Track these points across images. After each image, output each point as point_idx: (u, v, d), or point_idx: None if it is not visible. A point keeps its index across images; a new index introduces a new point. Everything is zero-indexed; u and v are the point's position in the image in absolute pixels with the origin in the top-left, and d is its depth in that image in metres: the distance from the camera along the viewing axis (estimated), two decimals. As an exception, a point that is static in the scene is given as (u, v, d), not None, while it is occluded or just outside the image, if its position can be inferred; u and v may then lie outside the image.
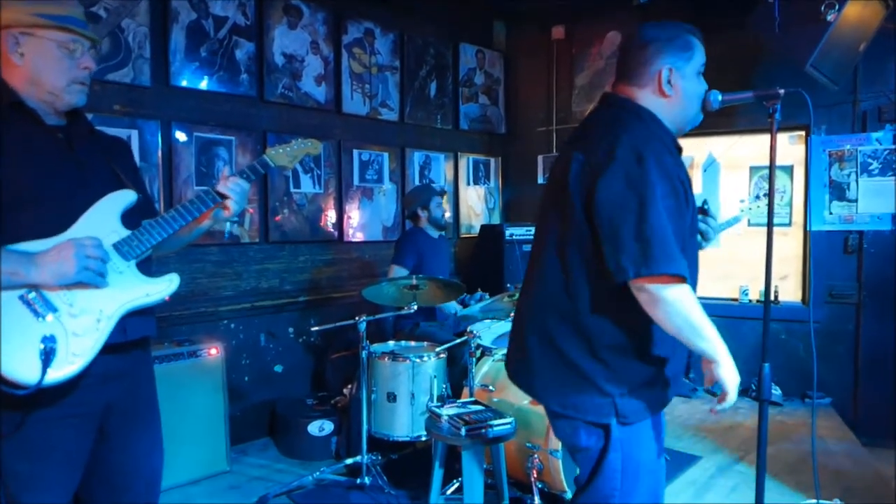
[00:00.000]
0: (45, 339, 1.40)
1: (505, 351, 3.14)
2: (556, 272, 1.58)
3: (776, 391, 4.48)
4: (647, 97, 1.61)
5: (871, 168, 4.18)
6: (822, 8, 3.20)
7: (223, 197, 1.67)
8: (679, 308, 1.42)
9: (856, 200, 4.24)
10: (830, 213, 4.32)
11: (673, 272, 1.39)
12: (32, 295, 1.43)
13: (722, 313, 4.76)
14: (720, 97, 1.67)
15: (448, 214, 4.10)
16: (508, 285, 4.32)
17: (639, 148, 1.46)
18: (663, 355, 1.58)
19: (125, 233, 1.56)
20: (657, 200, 1.41)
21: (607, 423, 1.55)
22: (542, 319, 1.62)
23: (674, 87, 1.59)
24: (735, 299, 4.79)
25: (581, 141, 1.60)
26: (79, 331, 1.44)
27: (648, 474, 1.63)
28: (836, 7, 3.19)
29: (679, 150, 1.65)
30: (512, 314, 3.37)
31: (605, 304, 1.52)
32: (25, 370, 1.36)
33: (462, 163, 5.37)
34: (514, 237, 4.88)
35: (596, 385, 1.54)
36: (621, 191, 1.43)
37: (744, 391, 4.67)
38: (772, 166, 1.78)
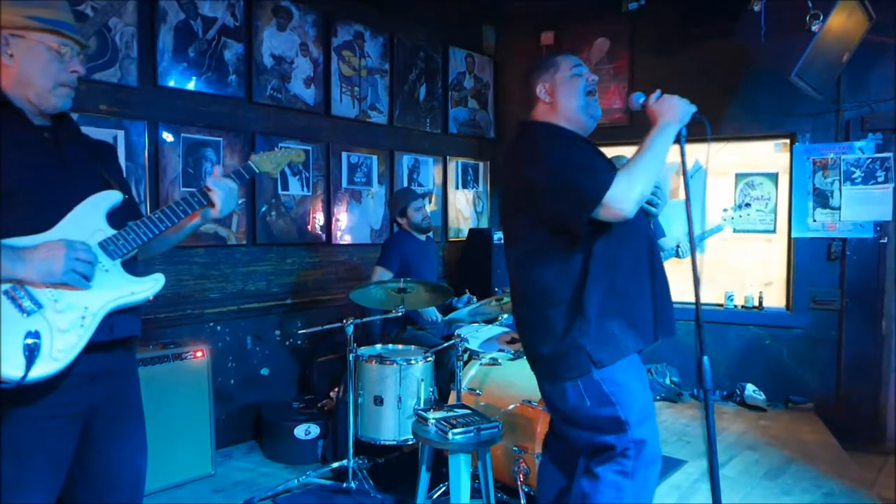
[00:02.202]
0: (29, 335, 1.39)
1: (492, 355, 3.19)
2: (519, 267, 1.98)
3: (760, 396, 4.53)
4: (539, 112, 2.06)
5: (853, 176, 4.24)
6: (807, 18, 3.24)
7: (210, 191, 1.68)
8: (630, 193, 1.74)
9: (839, 208, 4.30)
10: (814, 221, 4.38)
11: (601, 193, 1.73)
12: (18, 290, 1.42)
13: (707, 318, 4.78)
14: (643, 98, 1.92)
15: (428, 217, 4.07)
16: (496, 289, 4.33)
17: (543, 135, 1.96)
18: (617, 303, 1.86)
19: (111, 231, 1.56)
20: (561, 163, 1.81)
21: (588, 370, 1.84)
22: (520, 310, 2.02)
23: (550, 94, 2.02)
24: (720, 304, 4.84)
25: (508, 158, 2.06)
26: (64, 327, 1.44)
27: (640, 388, 1.91)
28: (821, 18, 3.24)
29: (585, 142, 2.00)
30: (502, 317, 3.41)
31: (555, 269, 1.86)
32: (9, 366, 1.35)
33: (451, 166, 5.38)
34: (502, 241, 4.88)
35: (566, 344, 1.84)
36: (546, 173, 1.82)
37: (728, 396, 4.72)
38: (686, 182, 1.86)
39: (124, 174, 1.87)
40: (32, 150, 1.52)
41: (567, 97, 2.00)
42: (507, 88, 5.77)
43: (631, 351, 1.87)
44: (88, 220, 1.54)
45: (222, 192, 1.69)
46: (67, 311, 1.45)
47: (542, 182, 1.82)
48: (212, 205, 1.69)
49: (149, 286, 1.58)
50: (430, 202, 4.97)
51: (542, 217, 1.86)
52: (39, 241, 1.44)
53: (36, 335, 1.40)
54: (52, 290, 1.44)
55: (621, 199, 1.73)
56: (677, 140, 1.86)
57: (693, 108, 1.86)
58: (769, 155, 4.70)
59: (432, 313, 3.89)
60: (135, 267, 1.63)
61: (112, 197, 1.59)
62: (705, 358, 1.79)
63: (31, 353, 1.37)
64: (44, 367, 1.39)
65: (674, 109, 1.84)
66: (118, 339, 1.57)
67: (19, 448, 1.43)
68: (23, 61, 1.50)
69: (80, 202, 1.53)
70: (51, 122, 1.60)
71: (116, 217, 1.60)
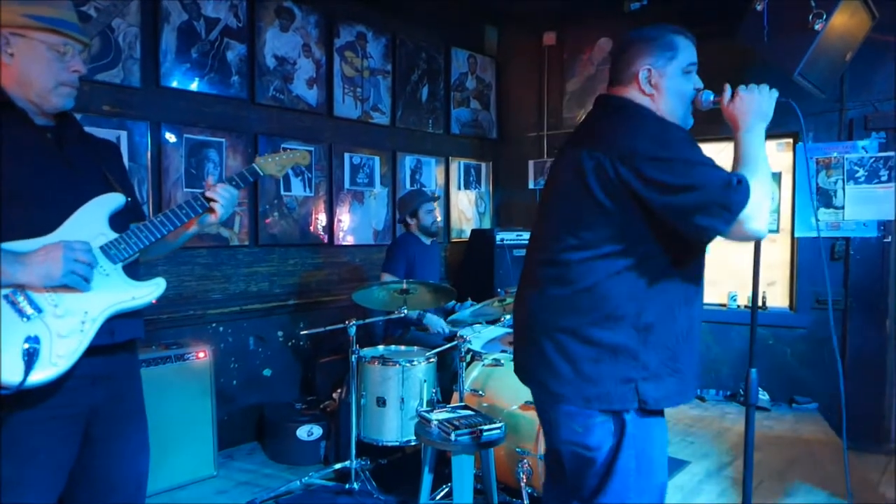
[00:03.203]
0: (28, 340, 1.38)
1: (495, 356, 3.18)
2: (569, 269, 1.60)
3: (764, 396, 4.51)
4: (635, 96, 1.67)
5: (857, 175, 4.23)
6: (810, 17, 3.23)
7: (211, 201, 1.67)
8: (759, 216, 1.48)
9: (842, 207, 4.28)
10: (817, 220, 4.36)
11: (742, 207, 1.45)
12: (18, 295, 1.41)
13: (711, 318, 4.79)
14: (712, 97, 1.69)
15: (439, 220, 4.06)
16: (499, 290, 4.32)
17: (651, 134, 1.54)
18: (684, 345, 1.61)
19: (113, 235, 1.55)
20: (694, 164, 1.49)
21: (628, 408, 1.56)
22: (557, 317, 1.63)
23: (654, 85, 1.65)
24: (724, 305, 4.82)
25: (587, 140, 1.63)
26: (63, 332, 1.43)
27: (660, 470, 1.65)
28: (824, 17, 3.23)
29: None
30: (505, 318, 3.38)
31: (632, 289, 1.56)
32: (7, 371, 1.35)
33: (453, 167, 5.38)
34: (504, 242, 4.88)
35: (617, 371, 1.56)
36: (666, 173, 1.48)
37: (731, 396, 4.71)
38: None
39: (128, 174, 1.86)
40: (34, 151, 1.52)
41: (676, 97, 1.66)
42: (509, 89, 5.76)
43: (680, 402, 1.64)
44: (90, 223, 1.53)
45: (223, 200, 1.68)
46: (67, 315, 1.44)
47: (672, 183, 1.47)
48: (212, 212, 1.68)
49: (150, 291, 1.57)
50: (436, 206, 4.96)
51: (651, 225, 1.54)
52: (40, 245, 1.44)
53: (35, 340, 1.39)
54: (53, 294, 1.44)
55: (757, 216, 1.46)
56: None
57: (775, 94, 1.62)
58: (772, 154, 4.69)
59: (439, 325, 3.80)
60: (136, 271, 1.62)
61: (115, 200, 1.58)
62: (753, 370, 1.70)
63: (30, 358, 1.37)
64: (43, 373, 1.39)
65: (756, 105, 1.60)
66: (119, 342, 1.56)
67: (19, 449, 1.43)
68: (23, 61, 1.49)
69: (82, 204, 1.52)
70: (54, 123, 1.59)
71: (119, 220, 1.59)
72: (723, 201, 1.45)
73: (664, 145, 1.51)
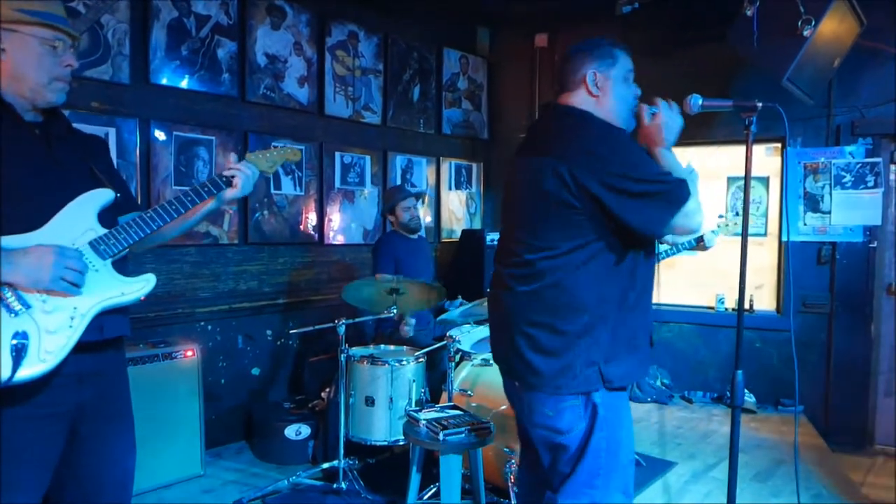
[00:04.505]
0: (17, 336, 1.38)
1: (484, 356, 3.18)
2: (534, 268, 1.74)
3: (750, 398, 4.55)
4: (581, 100, 1.82)
5: (844, 181, 4.28)
6: (799, 23, 3.27)
7: (232, 176, 1.71)
8: (698, 211, 1.68)
9: (829, 212, 4.33)
10: (805, 225, 4.41)
11: (686, 201, 1.64)
12: (5, 290, 1.40)
13: (698, 321, 4.82)
14: (700, 101, 1.82)
15: (417, 217, 4.00)
16: (488, 290, 4.33)
17: (602, 136, 1.72)
18: (637, 328, 1.77)
19: (102, 231, 1.54)
20: (640, 163, 1.67)
21: (596, 389, 1.70)
22: (528, 313, 1.76)
23: (601, 88, 1.80)
24: (711, 307, 4.85)
25: (541, 147, 1.77)
26: (52, 328, 1.42)
27: (627, 449, 1.80)
28: (813, 23, 3.26)
29: None
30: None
31: (592, 280, 1.70)
32: None
33: (444, 167, 5.38)
34: (495, 242, 4.89)
35: (583, 356, 1.69)
36: (616, 176, 1.63)
37: (718, 398, 4.74)
38: (747, 177, 1.83)
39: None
40: (22, 146, 1.50)
41: (619, 100, 1.82)
42: (500, 90, 5.78)
43: (641, 376, 1.81)
44: (79, 218, 1.52)
45: (243, 177, 1.71)
46: (56, 311, 1.44)
47: (621, 185, 1.62)
48: (234, 184, 1.71)
49: (139, 287, 1.56)
50: (423, 203, 4.94)
51: (606, 221, 1.67)
52: (30, 243, 1.43)
53: (23, 336, 1.38)
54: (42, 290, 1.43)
55: (697, 210, 1.66)
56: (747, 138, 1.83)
57: (679, 126, 1.82)
58: (760, 159, 4.72)
59: (412, 330, 3.68)
60: (125, 267, 1.61)
61: (103, 195, 1.57)
62: (739, 372, 1.79)
63: (18, 354, 1.36)
64: (31, 369, 1.38)
65: (661, 135, 1.80)
66: (108, 339, 1.56)
67: (5, 447, 1.42)
68: (16, 56, 1.49)
69: (70, 200, 1.51)
70: (42, 119, 1.58)
71: (108, 215, 1.58)
72: (670, 197, 1.64)
73: (614, 149, 1.68)
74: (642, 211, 1.64)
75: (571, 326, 1.69)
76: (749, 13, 3.41)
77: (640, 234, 1.69)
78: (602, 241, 1.69)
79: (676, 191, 1.65)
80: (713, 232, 4.02)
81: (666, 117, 1.79)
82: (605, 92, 1.80)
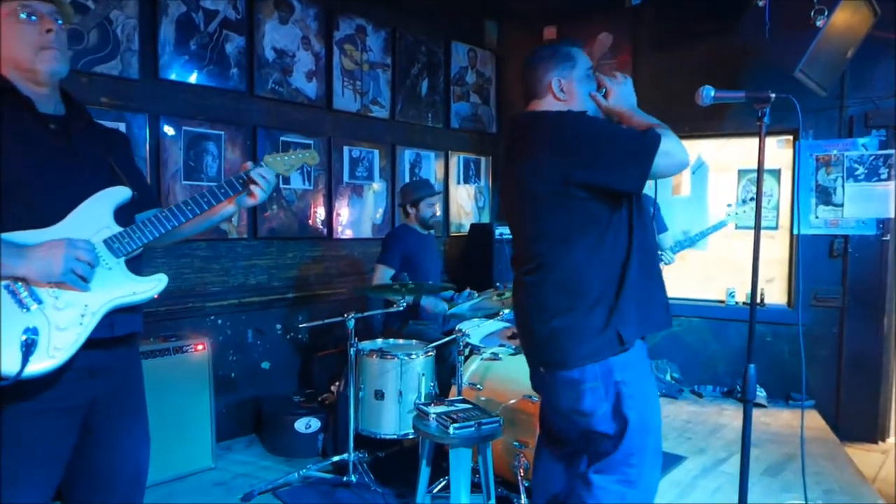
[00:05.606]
0: (27, 331, 1.38)
1: (493, 349, 3.19)
2: (544, 259, 1.84)
3: (761, 393, 4.53)
4: (550, 105, 1.94)
5: (857, 173, 4.23)
6: (812, 14, 3.22)
7: (253, 184, 1.68)
8: (677, 146, 1.74)
9: (842, 205, 4.28)
10: (816, 217, 4.37)
11: (657, 141, 1.71)
12: (19, 285, 1.41)
13: (709, 315, 4.80)
14: (713, 93, 1.81)
15: (437, 215, 4.05)
16: (498, 284, 4.33)
17: (573, 125, 1.81)
18: (643, 278, 1.83)
19: (117, 229, 1.54)
20: (605, 134, 1.78)
21: (614, 353, 1.76)
22: (545, 300, 1.85)
23: (566, 92, 1.92)
24: (722, 301, 4.83)
25: (527, 151, 1.86)
26: (62, 324, 1.42)
27: (654, 422, 1.87)
28: (826, 13, 3.22)
29: None
30: (503, 312, 3.39)
31: (598, 257, 1.78)
32: (6, 361, 1.34)
33: (452, 161, 5.37)
34: (503, 236, 4.89)
35: (598, 322, 1.77)
36: (591, 154, 1.74)
37: (728, 392, 4.72)
38: (760, 169, 1.81)
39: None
40: (37, 140, 1.50)
41: (583, 99, 1.93)
42: (509, 83, 5.75)
43: (664, 326, 1.89)
44: (95, 216, 1.52)
45: (263, 183, 1.69)
46: (67, 308, 1.44)
47: (589, 154, 1.74)
48: (251, 193, 1.69)
49: (151, 286, 1.56)
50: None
51: (589, 191, 1.75)
52: (43, 238, 1.43)
53: (34, 331, 1.38)
54: (53, 286, 1.43)
55: (677, 147, 1.72)
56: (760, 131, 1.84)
57: (631, 88, 1.94)
58: (772, 151, 4.68)
59: (438, 305, 3.76)
60: (139, 265, 1.61)
61: (120, 193, 1.57)
62: (751, 366, 1.78)
63: (28, 350, 1.36)
64: (40, 364, 1.38)
65: (623, 106, 1.90)
66: (119, 336, 1.56)
67: (16, 441, 1.43)
68: (5, 42, 1.48)
69: (88, 195, 1.51)
70: (65, 112, 1.58)
71: (125, 213, 1.58)
72: (643, 149, 1.71)
73: (588, 136, 1.77)
74: (624, 170, 1.73)
75: (584, 302, 1.77)
76: (761, 3, 3.37)
77: (629, 191, 1.78)
78: (598, 218, 1.78)
79: (647, 140, 1.72)
80: (721, 223, 4.02)
81: (617, 89, 1.90)
82: (571, 95, 1.92)
